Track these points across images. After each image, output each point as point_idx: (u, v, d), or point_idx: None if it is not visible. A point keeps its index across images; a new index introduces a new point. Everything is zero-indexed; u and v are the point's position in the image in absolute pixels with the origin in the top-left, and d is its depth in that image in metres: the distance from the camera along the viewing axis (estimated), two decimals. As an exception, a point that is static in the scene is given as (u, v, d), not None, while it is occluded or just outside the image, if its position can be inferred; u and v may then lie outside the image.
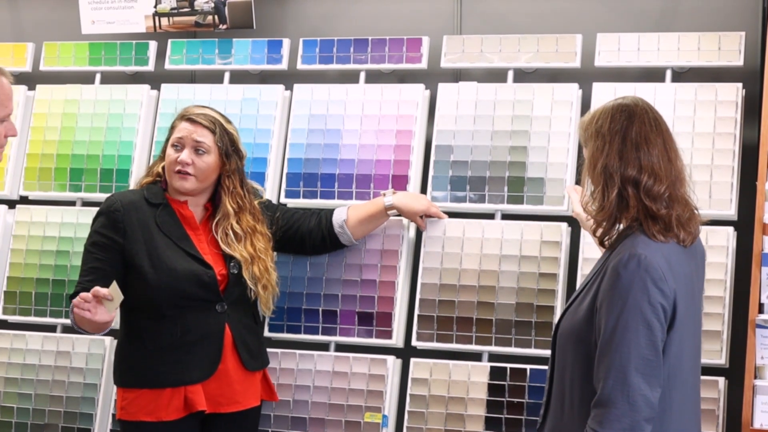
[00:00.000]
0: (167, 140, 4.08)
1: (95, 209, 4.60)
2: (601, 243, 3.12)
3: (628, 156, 3.00)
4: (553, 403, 3.12)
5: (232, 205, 4.05)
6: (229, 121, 4.11)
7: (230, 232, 4.02)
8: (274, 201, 4.51)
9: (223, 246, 4.00)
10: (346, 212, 4.26)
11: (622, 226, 3.07)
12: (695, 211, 3.09)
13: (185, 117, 4.06)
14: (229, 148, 4.06)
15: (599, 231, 3.09)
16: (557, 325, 3.16)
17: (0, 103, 3.52)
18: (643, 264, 2.89)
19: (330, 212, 4.27)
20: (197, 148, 4.00)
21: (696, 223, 3.08)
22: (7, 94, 3.55)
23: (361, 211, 4.26)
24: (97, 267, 3.93)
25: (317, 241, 4.27)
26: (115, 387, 4.39)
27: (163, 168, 4.06)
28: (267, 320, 4.39)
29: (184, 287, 3.90)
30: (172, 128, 4.08)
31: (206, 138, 4.01)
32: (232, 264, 3.97)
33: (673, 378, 2.95)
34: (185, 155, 3.98)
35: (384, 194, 4.27)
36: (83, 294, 3.68)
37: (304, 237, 4.25)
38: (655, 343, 2.88)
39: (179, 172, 3.98)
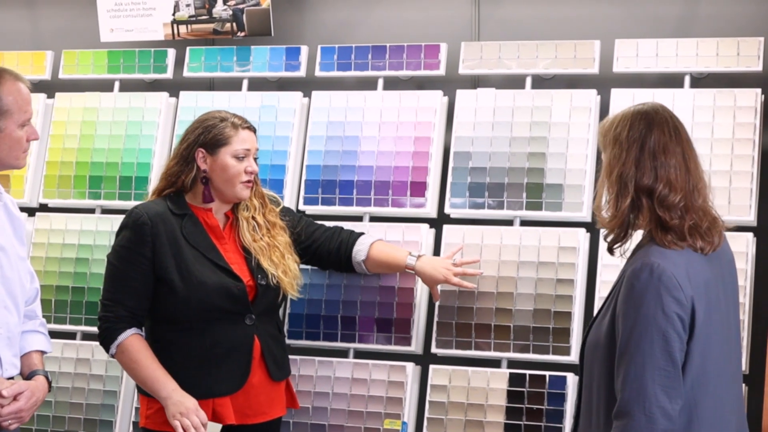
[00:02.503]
0: (207, 148, 3.91)
1: (114, 216, 4.66)
2: (610, 250, 3.07)
3: (645, 165, 2.96)
4: (583, 415, 3.08)
5: (257, 201, 4.04)
6: None
7: (252, 222, 4.01)
8: (293, 208, 4.51)
9: (245, 233, 3.97)
10: (367, 250, 4.19)
11: (637, 236, 3.03)
12: (717, 220, 3.03)
13: (245, 126, 3.98)
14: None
15: (609, 237, 3.05)
16: (584, 340, 3.12)
17: (19, 108, 3.57)
18: (656, 273, 2.85)
19: (353, 239, 4.21)
20: (255, 156, 4.00)
21: (718, 233, 3.01)
22: (25, 99, 3.60)
23: (383, 256, 4.20)
24: (125, 285, 3.86)
25: (334, 264, 4.26)
26: (135, 395, 4.42)
27: (198, 179, 3.95)
28: (286, 327, 4.39)
29: (214, 300, 3.85)
30: (226, 137, 3.92)
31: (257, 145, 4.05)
32: (259, 276, 3.95)
33: (698, 388, 2.90)
34: (255, 165, 3.97)
35: (411, 253, 4.19)
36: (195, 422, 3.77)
37: (322, 257, 4.21)
38: (671, 353, 2.83)
39: (248, 181, 3.96)
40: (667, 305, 2.84)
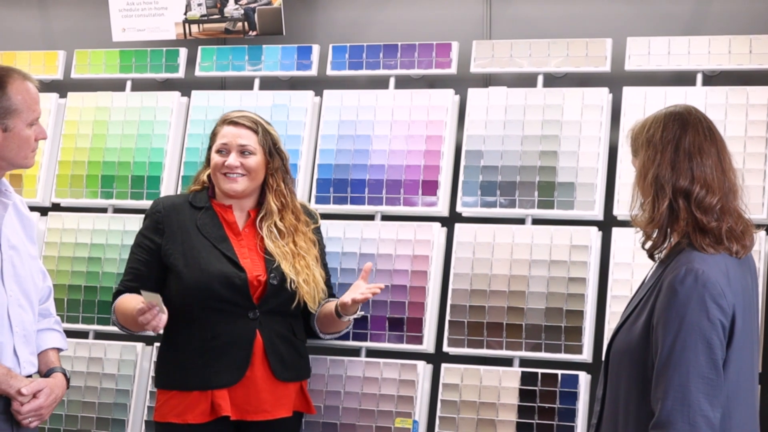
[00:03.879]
0: (210, 147, 4.12)
1: (127, 216, 4.70)
2: (651, 256, 3.02)
3: (681, 166, 2.91)
4: (605, 424, 3.02)
5: (276, 202, 4.08)
6: (269, 123, 4.17)
7: (274, 230, 4.04)
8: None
9: (267, 242, 4.00)
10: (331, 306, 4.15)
11: (674, 240, 2.97)
12: (749, 223, 2.98)
13: (227, 121, 4.11)
14: (272, 147, 4.10)
15: (648, 243, 3.00)
16: (610, 344, 3.06)
17: (28, 107, 3.61)
18: (701, 280, 2.80)
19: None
20: (242, 151, 4.04)
21: (750, 236, 2.96)
22: (34, 98, 3.64)
23: (324, 309, 4.15)
24: (135, 267, 4.07)
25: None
26: (148, 394, 4.46)
27: (209, 175, 4.11)
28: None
29: (215, 288, 3.92)
30: (214, 134, 4.12)
31: (250, 140, 4.06)
32: (272, 275, 3.97)
33: (733, 397, 2.86)
34: (232, 159, 4.02)
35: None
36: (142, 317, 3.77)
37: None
38: (715, 362, 2.79)
39: (226, 174, 4.03)
40: (711, 312, 2.79)
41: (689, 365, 2.78)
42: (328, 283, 4.19)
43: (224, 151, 4.05)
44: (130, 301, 3.94)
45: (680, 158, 2.92)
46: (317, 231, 4.23)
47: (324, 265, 4.21)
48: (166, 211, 4.05)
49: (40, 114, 3.67)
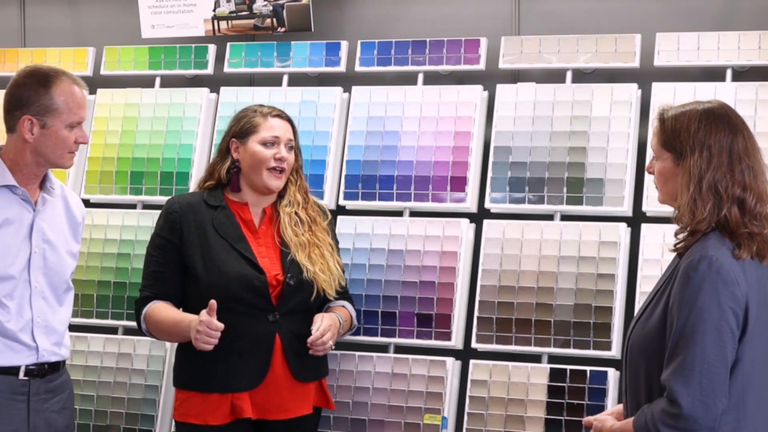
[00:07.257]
0: (238, 138, 4.00)
1: (156, 212, 4.67)
2: (676, 247, 2.99)
3: (735, 172, 2.89)
4: (629, 415, 3.00)
5: (300, 195, 4.06)
6: None
7: (295, 217, 4.01)
8: (333, 204, 4.54)
9: (286, 228, 3.97)
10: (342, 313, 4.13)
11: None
12: None
13: (274, 114, 4.04)
14: (300, 146, 4.11)
15: (682, 243, 2.96)
16: (628, 338, 3.06)
17: (69, 109, 3.65)
18: (715, 266, 2.80)
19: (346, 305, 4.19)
20: (288, 146, 4.01)
21: None
22: (78, 102, 3.68)
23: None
24: (156, 271, 3.98)
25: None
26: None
27: (230, 169, 4.03)
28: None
29: (235, 290, 3.87)
30: (255, 125, 4.00)
31: (293, 135, 4.05)
32: (289, 275, 3.95)
33: (747, 386, 2.86)
34: (285, 152, 3.98)
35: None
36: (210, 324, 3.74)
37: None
38: (723, 349, 2.79)
39: (277, 169, 3.97)
40: (723, 300, 2.80)
41: (696, 351, 2.78)
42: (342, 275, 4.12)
43: (273, 143, 3.98)
44: (168, 312, 3.91)
45: (735, 164, 2.90)
46: (330, 225, 4.18)
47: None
48: (182, 211, 3.97)
49: (83, 118, 3.71)
